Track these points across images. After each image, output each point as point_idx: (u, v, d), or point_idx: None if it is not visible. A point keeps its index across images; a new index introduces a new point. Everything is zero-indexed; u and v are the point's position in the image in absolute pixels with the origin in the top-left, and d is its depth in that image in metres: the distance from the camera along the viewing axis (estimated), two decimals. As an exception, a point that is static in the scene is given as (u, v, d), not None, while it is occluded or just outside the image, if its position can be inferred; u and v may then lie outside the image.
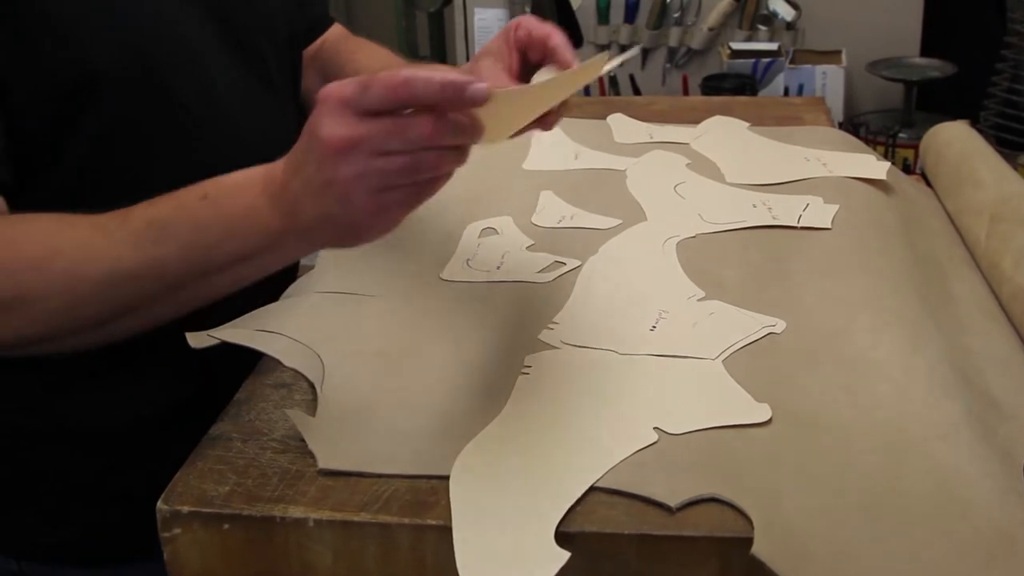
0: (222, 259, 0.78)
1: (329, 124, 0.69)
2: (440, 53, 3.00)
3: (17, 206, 0.84)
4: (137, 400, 0.91)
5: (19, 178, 0.85)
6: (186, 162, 0.93)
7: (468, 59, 2.55)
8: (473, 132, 0.70)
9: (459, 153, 0.72)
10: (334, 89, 0.70)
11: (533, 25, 0.98)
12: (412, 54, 2.73)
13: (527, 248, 1.10)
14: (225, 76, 0.97)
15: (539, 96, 0.81)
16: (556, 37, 0.96)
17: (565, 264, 1.06)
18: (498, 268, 1.05)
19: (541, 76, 0.97)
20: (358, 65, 1.18)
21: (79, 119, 0.86)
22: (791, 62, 2.31)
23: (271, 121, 1.04)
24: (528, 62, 0.99)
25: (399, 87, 0.67)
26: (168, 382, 0.96)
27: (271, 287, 0.97)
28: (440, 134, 0.69)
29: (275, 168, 0.76)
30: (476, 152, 0.72)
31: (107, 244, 0.78)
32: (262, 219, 0.76)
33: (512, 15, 2.48)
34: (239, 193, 0.77)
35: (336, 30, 1.24)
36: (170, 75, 0.91)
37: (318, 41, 1.22)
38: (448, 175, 0.73)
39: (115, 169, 0.90)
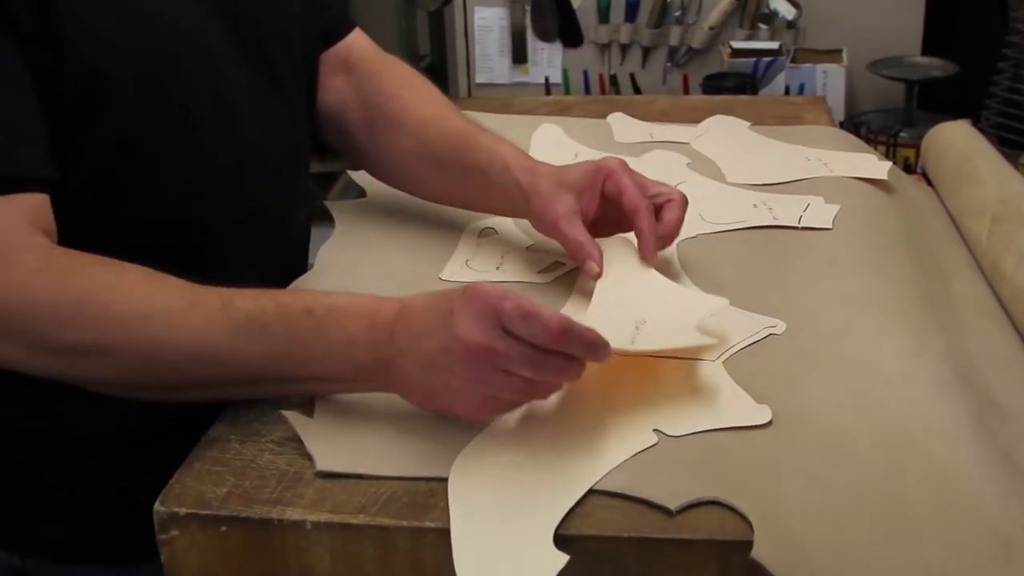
0: (305, 374, 0.82)
1: (471, 325, 0.74)
2: (440, 52, 3.00)
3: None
4: (141, 404, 0.91)
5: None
6: (196, 166, 0.94)
7: (468, 57, 2.54)
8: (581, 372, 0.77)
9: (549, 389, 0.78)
10: (491, 296, 0.74)
11: (625, 187, 0.97)
12: (412, 53, 2.73)
13: (527, 248, 1.10)
14: (236, 81, 0.97)
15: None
16: (643, 218, 0.96)
17: (565, 264, 1.05)
18: (497, 269, 1.05)
19: (613, 246, 0.99)
20: (404, 104, 1.13)
21: (94, 121, 0.86)
22: (792, 61, 2.31)
23: (282, 128, 1.03)
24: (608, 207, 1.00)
25: (558, 336, 0.73)
26: None
27: (271, 288, 0.96)
28: (566, 374, 0.76)
29: (385, 309, 0.80)
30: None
31: (201, 324, 0.80)
32: (358, 356, 0.80)
33: (512, 14, 2.48)
34: (344, 320, 0.81)
35: (363, 41, 1.20)
36: (183, 80, 0.91)
37: (343, 48, 1.17)
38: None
39: (126, 171, 0.90)
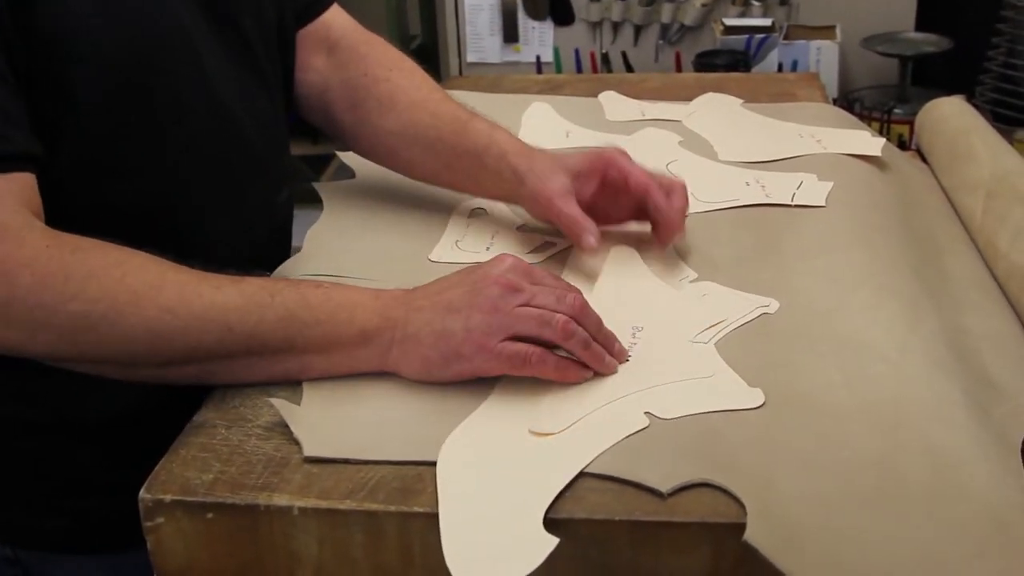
0: (309, 340, 0.83)
1: (502, 270, 0.82)
2: (430, 31, 2.98)
3: None
4: (131, 389, 0.90)
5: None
6: (180, 149, 0.93)
7: (459, 37, 2.53)
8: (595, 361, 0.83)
9: (575, 368, 0.82)
10: (520, 259, 0.85)
11: (630, 171, 1.00)
12: (402, 32, 2.71)
13: (517, 228, 1.09)
14: (215, 62, 0.96)
15: None
16: (657, 195, 0.99)
17: (555, 244, 1.04)
18: (487, 249, 1.04)
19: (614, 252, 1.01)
20: (394, 87, 1.13)
21: (79, 107, 0.85)
22: (785, 38, 2.30)
23: (261, 107, 1.03)
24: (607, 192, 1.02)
25: (580, 312, 0.82)
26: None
27: (258, 271, 0.96)
28: (581, 317, 0.82)
29: (391, 291, 0.86)
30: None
31: (211, 290, 0.82)
32: (363, 319, 0.83)
33: (504, -5, 2.47)
34: (351, 290, 0.86)
35: (342, 19, 1.18)
36: (165, 62, 0.90)
37: (321, 26, 1.15)
38: (553, 371, 0.82)
39: (110, 156, 0.89)
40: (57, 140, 0.85)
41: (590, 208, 1.00)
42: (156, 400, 0.90)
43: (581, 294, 0.84)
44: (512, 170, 1.03)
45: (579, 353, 0.81)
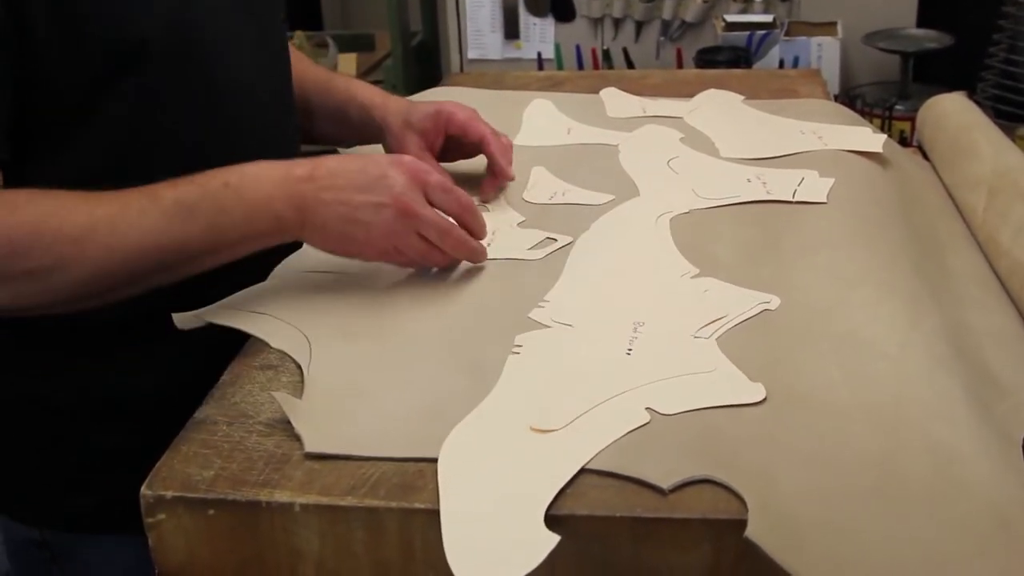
0: (234, 237, 0.89)
1: (406, 190, 0.91)
2: (432, 28, 2.98)
3: (50, 166, 0.91)
4: (155, 368, 0.92)
5: (20, 156, 0.89)
6: (211, 128, 0.97)
7: (460, 33, 2.53)
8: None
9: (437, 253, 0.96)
10: (420, 169, 0.94)
11: (467, 122, 1.15)
12: (404, 29, 2.71)
13: (518, 225, 1.09)
14: (249, 45, 1.00)
15: None
16: (491, 143, 1.15)
17: (556, 240, 1.04)
18: (488, 245, 1.04)
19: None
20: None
21: (119, 83, 0.90)
22: (786, 34, 2.30)
23: (281, 82, 1.08)
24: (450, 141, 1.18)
25: (466, 209, 0.97)
26: (186, 353, 0.97)
27: (259, 267, 0.97)
28: (461, 249, 0.96)
29: (296, 167, 0.91)
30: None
31: (138, 219, 0.86)
32: (276, 208, 0.89)
33: (504, -10, 2.47)
34: (259, 183, 0.90)
35: None
36: (204, 43, 0.94)
37: None
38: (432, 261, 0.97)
39: (147, 132, 0.93)
40: (97, 108, 0.90)
41: (442, 157, 1.18)
42: (180, 379, 0.92)
43: (471, 202, 0.97)
44: (373, 124, 1.18)
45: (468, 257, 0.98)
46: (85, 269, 0.85)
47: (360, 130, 1.20)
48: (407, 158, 0.95)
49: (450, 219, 0.95)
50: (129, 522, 0.98)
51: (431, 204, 0.93)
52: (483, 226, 0.99)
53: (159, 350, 0.98)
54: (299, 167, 0.91)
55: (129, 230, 0.86)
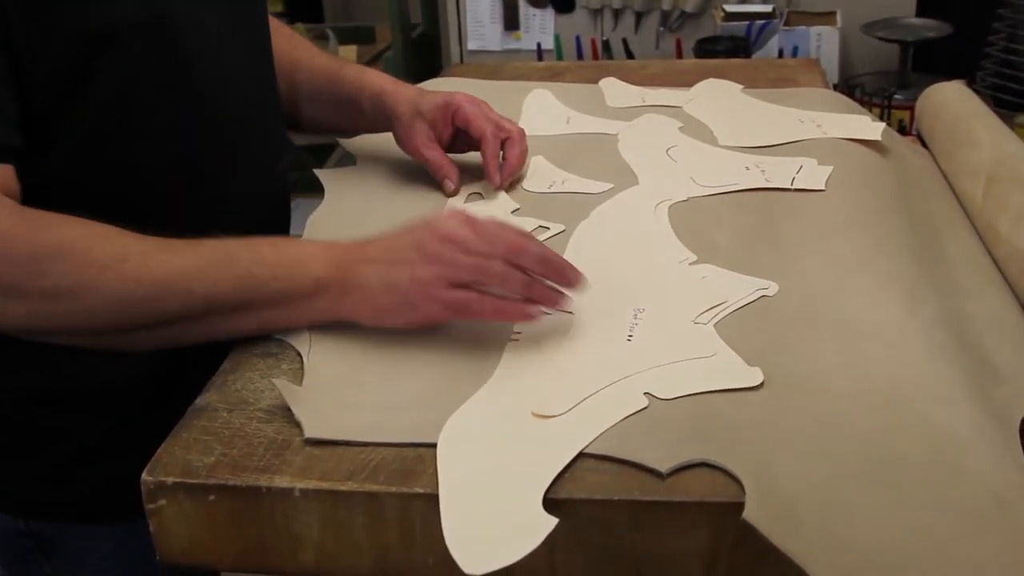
0: (268, 295, 0.86)
1: (446, 222, 0.85)
2: (432, 19, 2.98)
3: (34, 163, 0.87)
4: (141, 361, 0.92)
5: (32, 142, 0.87)
6: (189, 112, 0.95)
7: (460, 25, 2.53)
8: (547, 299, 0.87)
9: (516, 307, 0.86)
10: (464, 211, 0.87)
11: (473, 118, 1.14)
12: (404, 21, 2.71)
13: (512, 213, 1.09)
14: (223, 27, 0.98)
15: None
16: (488, 144, 1.13)
17: (549, 228, 1.05)
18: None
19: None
20: (297, 57, 1.21)
21: (96, 71, 0.88)
22: (785, 24, 2.30)
23: (262, 71, 1.07)
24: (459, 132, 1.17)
25: (515, 253, 0.85)
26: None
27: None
28: (517, 257, 0.85)
29: (341, 243, 0.88)
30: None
31: (171, 257, 0.84)
32: (316, 269, 0.86)
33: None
34: (304, 244, 0.90)
35: None
36: (179, 27, 0.93)
37: None
38: (494, 313, 0.85)
39: (128, 121, 0.91)
40: (75, 100, 0.88)
41: (450, 147, 1.17)
42: (165, 372, 0.92)
43: (526, 235, 0.87)
44: (385, 112, 1.17)
45: (521, 293, 0.85)
46: (103, 298, 0.82)
47: (372, 119, 1.18)
48: (445, 214, 0.88)
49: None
50: (112, 513, 0.99)
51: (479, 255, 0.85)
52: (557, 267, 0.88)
53: None
54: (341, 245, 0.89)
55: (158, 267, 0.83)
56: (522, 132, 1.16)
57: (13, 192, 0.85)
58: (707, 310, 0.88)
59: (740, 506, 0.67)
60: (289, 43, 1.21)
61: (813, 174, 1.13)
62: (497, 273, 0.84)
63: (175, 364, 0.91)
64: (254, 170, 1.04)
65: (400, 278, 0.84)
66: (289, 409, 0.79)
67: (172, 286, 0.83)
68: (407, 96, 1.16)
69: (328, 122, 1.22)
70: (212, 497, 0.74)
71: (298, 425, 0.78)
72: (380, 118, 1.17)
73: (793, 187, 1.11)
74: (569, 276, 0.87)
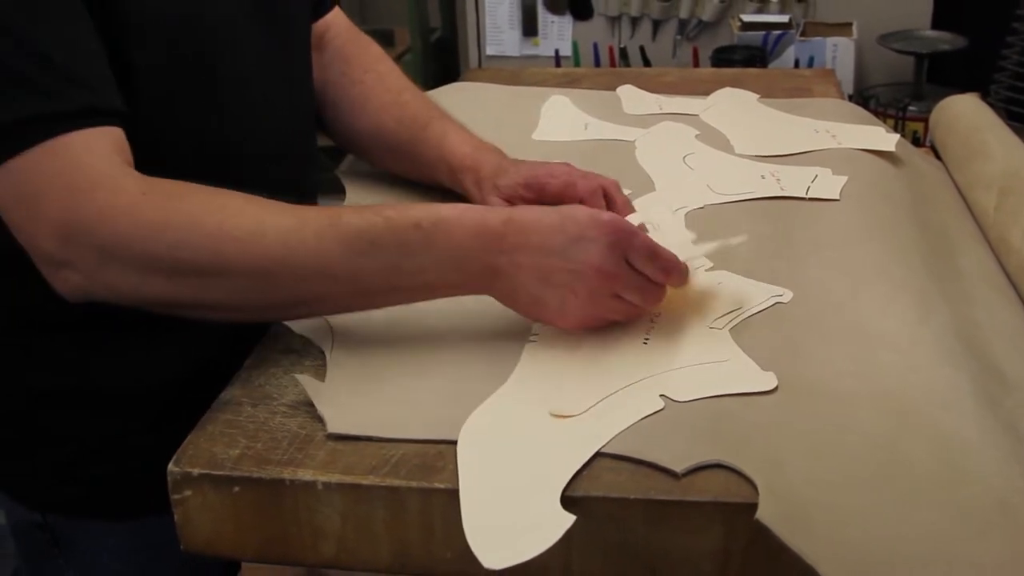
0: (414, 283, 0.84)
1: (604, 254, 0.82)
2: (450, 25, 3.00)
3: None
4: (161, 361, 0.93)
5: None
6: (215, 129, 0.95)
7: (478, 30, 2.54)
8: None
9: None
10: (623, 230, 0.84)
11: (562, 192, 1.06)
12: (423, 26, 2.73)
13: None
14: (255, 43, 0.98)
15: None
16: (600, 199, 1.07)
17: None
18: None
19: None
20: (366, 90, 1.18)
21: (124, 79, 0.87)
22: (802, 34, 2.31)
23: (294, 90, 1.06)
24: None
25: (671, 271, 0.86)
26: (191, 344, 0.97)
27: None
28: (659, 300, 0.87)
29: (492, 220, 0.84)
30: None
31: (314, 241, 0.81)
32: (466, 265, 0.83)
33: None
34: (452, 231, 0.83)
35: (341, 20, 1.23)
36: (206, 41, 0.93)
37: (322, 24, 1.19)
38: None
39: (150, 132, 0.89)
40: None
41: None
42: (179, 371, 0.92)
43: (679, 265, 0.87)
44: (459, 187, 1.11)
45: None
46: (246, 276, 0.81)
47: (450, 186, 1.14)
48: (606, 216, 0.84)
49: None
50: (126, 508, 1.00)
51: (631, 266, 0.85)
52: (684, 274, 0.89)
53: (163, 345, 0.97)
54: (495, 217, 0.84)
55: (301, 247, 0.81)
56: (616, 184, 1.10)
57: (128, 158, 0.83)
58: (722, 315, 0.90)
59: (753, 506, 0.68)
60: (383, 84, 1.19)
61: (828, 184, 1.14)
62: (637, 311, 0.88)
63: (190, 367, 0.92)
64: (281, 188, 1.03)
65: (549, 300, 0.84)
66: (312, 404, 0.81)
67: (314, 272, 0.82)
68: (487, 172, 1.10)
69: (404, 170, 1.19)
70: (237, 489, 0.76)
71: (321, 420, 0.79)
72: (457, 188, 1.13)
73: (808, 196, 1.12)
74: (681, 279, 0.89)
